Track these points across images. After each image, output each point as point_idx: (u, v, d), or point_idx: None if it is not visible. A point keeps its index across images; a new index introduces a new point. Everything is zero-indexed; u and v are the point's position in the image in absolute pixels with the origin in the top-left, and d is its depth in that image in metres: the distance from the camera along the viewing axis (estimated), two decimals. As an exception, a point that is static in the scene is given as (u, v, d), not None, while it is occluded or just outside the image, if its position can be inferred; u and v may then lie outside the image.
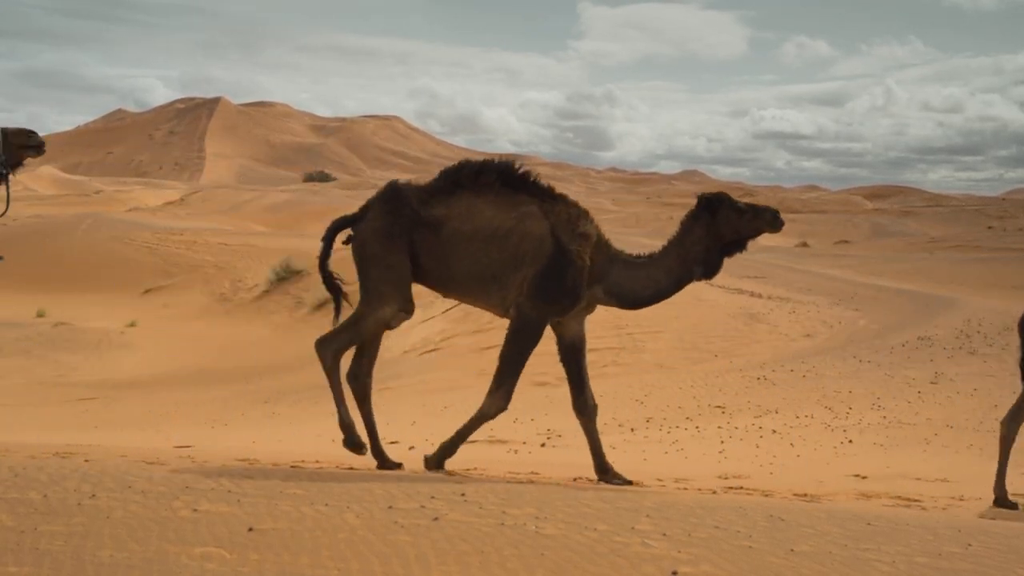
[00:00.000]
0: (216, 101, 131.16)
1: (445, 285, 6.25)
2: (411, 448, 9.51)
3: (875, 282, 26.44)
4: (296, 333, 24.29)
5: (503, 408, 6.19)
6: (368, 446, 6.32)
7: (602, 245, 6.25)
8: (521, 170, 6.24)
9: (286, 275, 28.34)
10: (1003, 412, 10.61)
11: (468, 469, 6.82)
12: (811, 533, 4.27)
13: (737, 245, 6.28)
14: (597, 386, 13.92)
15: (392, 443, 10.16)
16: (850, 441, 9.87)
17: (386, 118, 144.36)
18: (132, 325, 25.89)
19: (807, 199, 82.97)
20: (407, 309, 6.18)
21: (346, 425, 6.27)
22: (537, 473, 6.84)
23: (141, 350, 23.58)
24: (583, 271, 6.11)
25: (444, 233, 6.06)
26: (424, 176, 6.00)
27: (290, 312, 26.28)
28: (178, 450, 6.95)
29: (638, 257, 6.35)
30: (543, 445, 10.29)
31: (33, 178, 70.96)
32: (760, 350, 16.58)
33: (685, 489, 6.55)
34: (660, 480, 7.16)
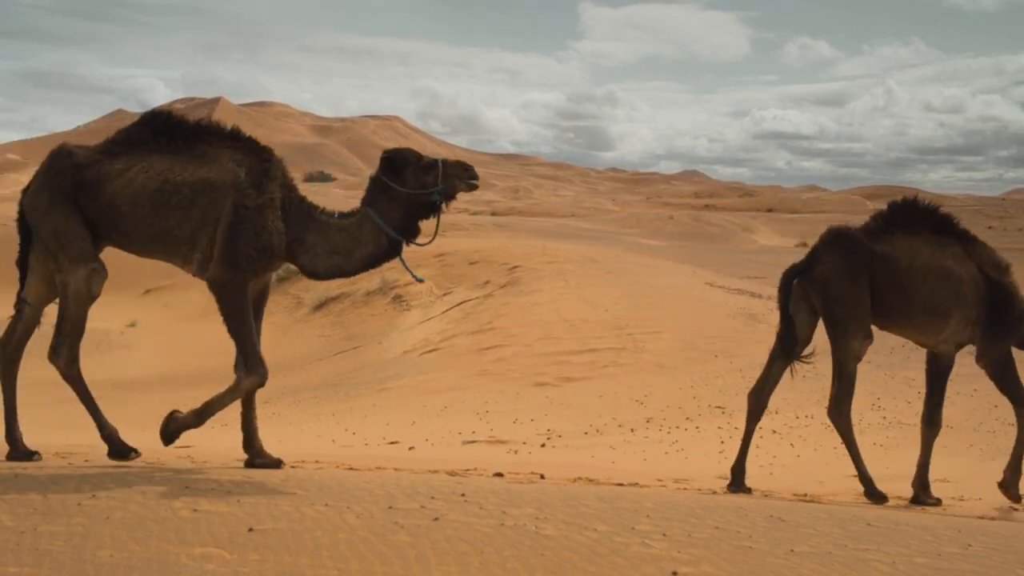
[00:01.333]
0: (216, 101, 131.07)
1: (892, 317, 6.76)
2: (411, 448, 9.51)
3: (875, 282, 26.41)
4: (296, 333, 24.31)
5: None
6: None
7: None
8: (943, 212, 6.88)
9: (286, 275, 28.30)
10: (1003, 412, 10.62)
11: (468, 469, 6.82)
12: (811, 533, 4.27)
13: None
14: (597, 386, 13.99)
15: (392, 443, 10.17)
16: (850, 441, 9.86)
17: (386, 118, 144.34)
18: (132, 325, 25.91)
19: (807, 199, 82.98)
20: (870, 337, 6.67)
21: (866, 479, 6.65)
22: (537, 473, 6.84)
23: (141, 350, 23.59)
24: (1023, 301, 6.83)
25: (901, 269, 6.62)
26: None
27: (290, 312, 26.28)
28: (178, 450, 6.94)
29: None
30: (543, 445, 10.29)
31: (33, 178, 70.88)
32: (760, 350, 16.52)
33: (685, 489, 6.54)
34: (660, 480, 7.15)
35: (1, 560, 3.52)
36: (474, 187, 5.74)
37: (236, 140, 5.72)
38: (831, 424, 6.79)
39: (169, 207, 5.48)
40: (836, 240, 6.74)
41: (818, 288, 6.63)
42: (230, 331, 5.62)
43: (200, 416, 5.61)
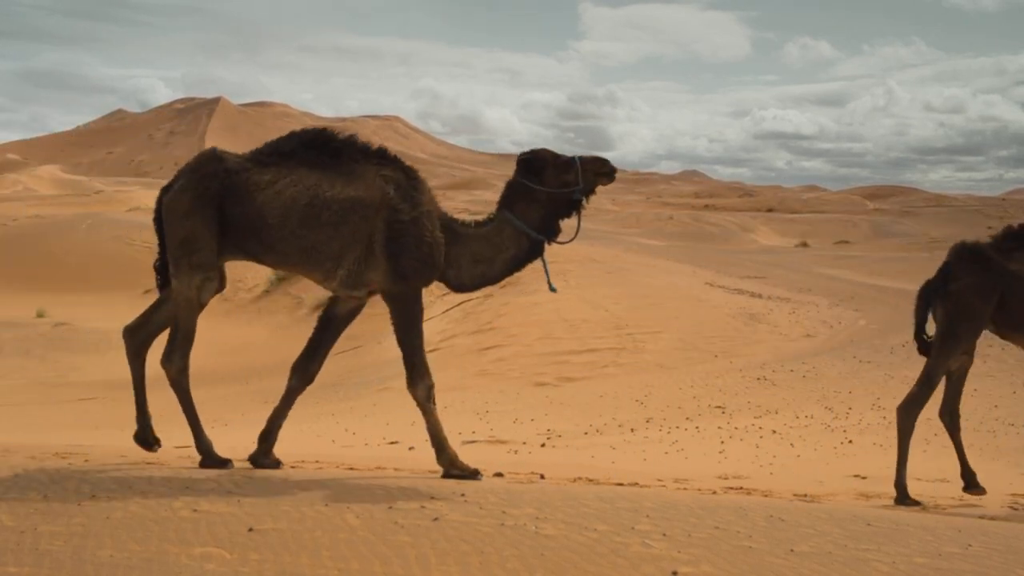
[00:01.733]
0: (216, 101, 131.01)
1: (1021, 330, 6.87)
2: (411, 448, 9.51)
3: (875, 282, 26.45)
4: (296, 333, 24.26)
5: None
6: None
7: None
8: None
9: (286, 275, 28.35)
10: (1003, 412, 10.60)
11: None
12: (811, 533, 4.27)
13: None
14: (597, 386, 13.98)
15: (392, 443, 10.16)
16: (850, 441, 9.88)
17: (386, 118, 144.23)
18: (132, 325, 25.83)
19: (807, 199, 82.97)
20: (971, 353, 6.88)
21: (902, 486, 6.63)
22: (537, 473, 6.84)
23: (141, 350, 23.50)
24: None
25: None
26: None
27: (290, 312, 26.28)
28: (178, 450, 6.94)
29: None
30: (543, 445, 10.29)
31: (33, 178, 70.87)
32: (760, 350, 16.58)
33: (685, 489, 6.54)
34: (660, 480, 7.15)
35: (1, 560, 3.52)
36: (612, 179, 5.78)
37: (383, 159, 5.72)
38: (894, 421, 6.88)
39: (319, 223, 5.47)
40: (971, 257, 6.87)
41: (950, 302, 6.76)
42: (400, 340, 5.68)
43: (442, 451, 5.67)
